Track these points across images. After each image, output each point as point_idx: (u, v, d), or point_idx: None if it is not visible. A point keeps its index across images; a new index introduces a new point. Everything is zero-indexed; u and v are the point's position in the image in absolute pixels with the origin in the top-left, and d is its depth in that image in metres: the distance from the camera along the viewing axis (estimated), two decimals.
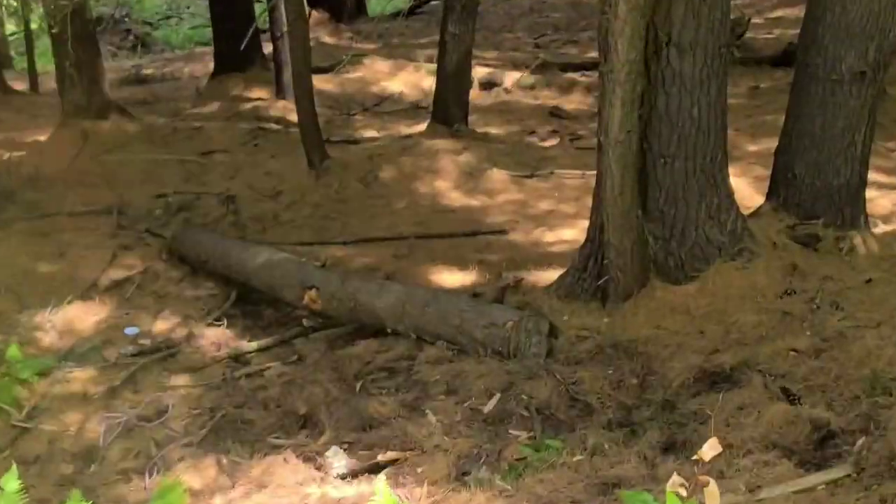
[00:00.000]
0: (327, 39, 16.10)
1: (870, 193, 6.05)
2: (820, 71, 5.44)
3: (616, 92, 4.83)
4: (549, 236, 7.41)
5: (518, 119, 11.47)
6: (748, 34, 12.54)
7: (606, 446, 4.00)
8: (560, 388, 4.62)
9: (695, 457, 3.32)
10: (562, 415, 4.45)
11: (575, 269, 5.63)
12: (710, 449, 2.98)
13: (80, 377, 5.45)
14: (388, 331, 5.53)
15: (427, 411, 4.58)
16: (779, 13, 15.10)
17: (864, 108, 5.42)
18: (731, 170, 5.49)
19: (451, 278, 6.59)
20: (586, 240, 5.62)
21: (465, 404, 4.62)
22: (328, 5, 17.10)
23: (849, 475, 3.44)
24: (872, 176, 6.13)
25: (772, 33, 13.37)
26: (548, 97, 12.39)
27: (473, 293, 6.10)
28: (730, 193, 5.40)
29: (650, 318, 5.13)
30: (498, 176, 8.92)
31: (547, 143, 10.44)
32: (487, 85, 12.85)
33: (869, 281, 5.12)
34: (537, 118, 11.51)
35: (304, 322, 5.98)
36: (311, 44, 9.73)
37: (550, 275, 6.06)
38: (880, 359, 4.19)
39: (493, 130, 10.81)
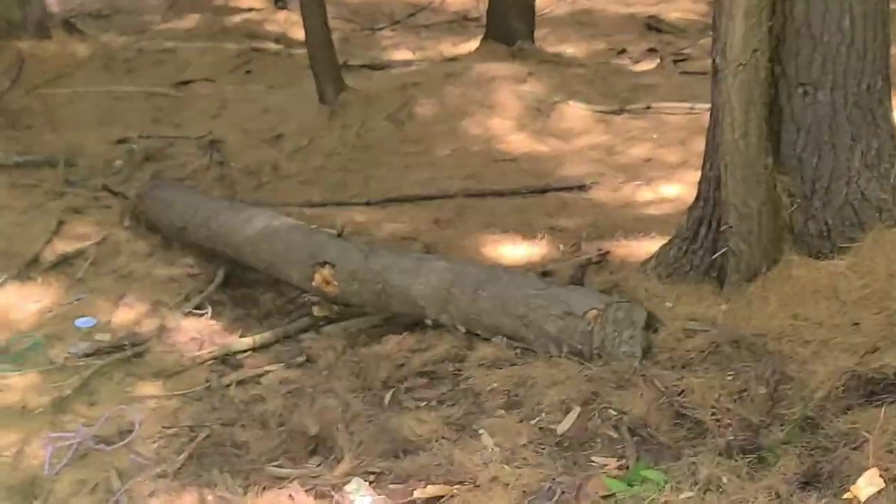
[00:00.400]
0: None
1: None
2: None
3: None
4: (646, 193, 7.39)
5: (603, 34, 11.44)
6: None
7: (725, 479, 3.97)
8: (661, 400, 4.60)
9: (846, 495, 3.31)
10: (663, 436, 4.44)
11: (681, 239, 5.61)
12: (868, 484, 2.97)
13: (16, 384, 5.51)
14: (429, 322, 5.55)
15: (481, 431, 4.59)
16: None
17: None
18: (894, 102, 5.43)
19: (513, 251, 6.60)
20: (697, 198, 5.61)
21: (533, 422, 4.62)
22: None
23: None
24: None
25: None
26: (644, 3, 12.32)
27: (543, 272, 6.10)
28: (894, 134, 5.33)
29: (784, 305, 5.09)
30: (575, 112, 8.92)
31: (642, 67, 10.41)
32: None
33: None
34: (629, 32, 11.48)
35: (315, 311, 6.00)
36: None
37: (648, 246, 6.04)
38: None
39: (569, 50, 10.79)
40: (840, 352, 4.70)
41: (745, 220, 5.13)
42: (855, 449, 4.00)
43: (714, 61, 5.14)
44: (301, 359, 5.65)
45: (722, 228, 5.25)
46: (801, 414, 4.39)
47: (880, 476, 3.12)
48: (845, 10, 5.06)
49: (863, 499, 2.97)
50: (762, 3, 4.85)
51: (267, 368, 5.58)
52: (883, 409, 4.17)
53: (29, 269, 6.71)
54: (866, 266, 5.11)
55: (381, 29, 12.46)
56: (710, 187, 5.43)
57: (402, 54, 11.53)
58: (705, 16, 10.60)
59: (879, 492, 3.32)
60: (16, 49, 10.65)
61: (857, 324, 4.88)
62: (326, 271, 5.86)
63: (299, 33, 9.98)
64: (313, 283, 5.96)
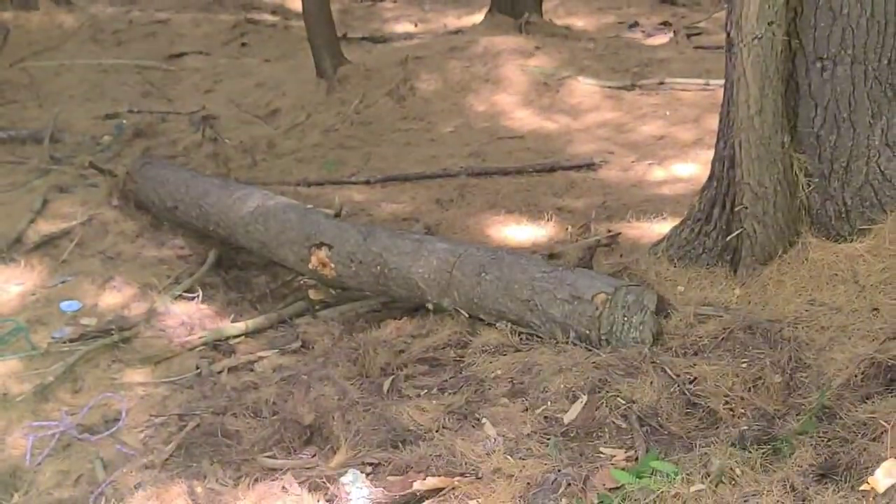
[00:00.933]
0: None
1: None
2: None
3: None
4: (658, 173, 7.40)
5: (614, 7, 11.45)
6: None
7: (738, 471, 3.97)
8: (672, 388, 4.60)
9: (863, 486, 3.29)
10: (674, 426, 4.44)
11: (694, 220, 5.61)
12: (886, 476, 2.96)
13: None
14: (429, 307, 5.55)
15: (484, 421, 4.59)
16: None
17: None
18: None
19: (518, 233, 6.60)
20: (710, 177, 5.60)
21: (538, 411, 4.62)
22: None
23: None
24: None
25: None
26: None
27: (550, 254, 6.10)
28: None
29: (801, 290, 5.10)
30: (584, 88, 8.92)
31: (655, 41, 10.40)
32: None
33: None
34: (641, 5, 11.49)
35: (311, 294, 6.01)
36: None
37: (659, 228, 6.04)
38: None
39: (579, 23, 10.80)
40: (859, 338, 4.70)
41: (760, 200, 5.13)
42: (874, 440, 4.00)
43: (728, 34, 5.12)
44: (296, 344, 5.66)
45: (736, 209, 5.25)
46: (818, 403, 4.39)
47: None
48: None
49: (881, 490, 2.96)
50: None
51: (260, 354, 5.59)
52: None
53: (11, 250, 6.72)
54: (887, 249, 5.11)
55: (382, 0, 12.44)
56: (723, 166, 5.42)
57: (403, 27, 11.51)
58: None
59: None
60: (0, 20, 10.65)
61: (876, 309, 4.88)
62: (323, 253, 5.86)
63: (297, 4, 9.98)
64: (309, 266, 5.96)
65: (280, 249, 6.16)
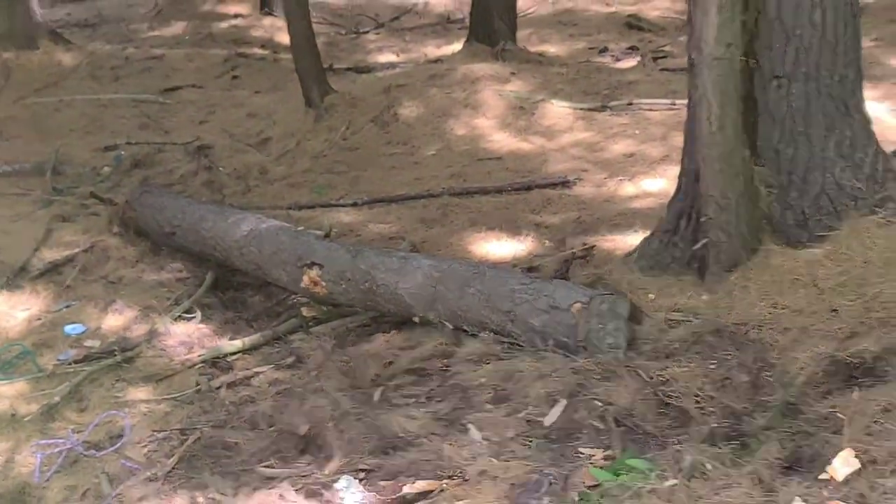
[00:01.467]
0: None
1: None
2: None
3: None
4: (629, 188, 7.42)
5: (584, 33, 11.48)
6: None
7: (709, 466, 4.00)
8: (646, 390, 4.62)
9: (823, 475, 3.32)
10: (649, 426, 4.45)
11: (663, 232, 5.64)
12: (843, 465, 2.99)
13: (5, 393, 5.52)
14: (416, 320, 5.57)
15: (469, 426, 4.60)
16: None
17: None
18: (867, 93, 5.46)
19: (499, 248, 6.61)
20: (677, 191, 5.63)
21: (520, 415, 4.63)
22: None
23: None
24: None
25: None
26: (624, 3, 12.37)
27: (529, 267, 6.12)
28: (866, 124, 5.38)
29: (764, 294, 5.12)
30: (558, 110, 8.93)
31: (623, 64, 10.43)
32: None
33: None
34: (610, 31, 11.51)
35: (304, 311, 6.02)
36: None
37: (631, 240, 6.06)
38: None
39: (551, 49, 10.82)
40: (819, 338, 4.73)
41: (723, 211, 5.15)
42: (835, 432, 4.04)
43: (690, 57, 5.16)
44: (291, 359, 5.65)
45: (702, 220, 5.28)
46: (783, 400, 4.42)
47: (857, 457, 3.14)
48: (816, 3, 5.10)
49: (839, 479, 2.99)
50: None
51: (257, 370, 5.58)
52: (860, 393, 4.21)
53: (17, 277, 6.72)
54: (843, 254, 5.14)
55: (365, 32, 12.47)
56: (689, 180, 5.45)
57: (386, 57, 11.53)
58: (683, 14, 10.64)
59: (856, 472, 3.34)
60: (2, 59, 10.65)
61: (835, 310, 4.91)
62: (314, 272, 5.88)
63: (285, 38, 9.99)
64: (302, 285, 5.97)
65: (274, 270, 6.18)
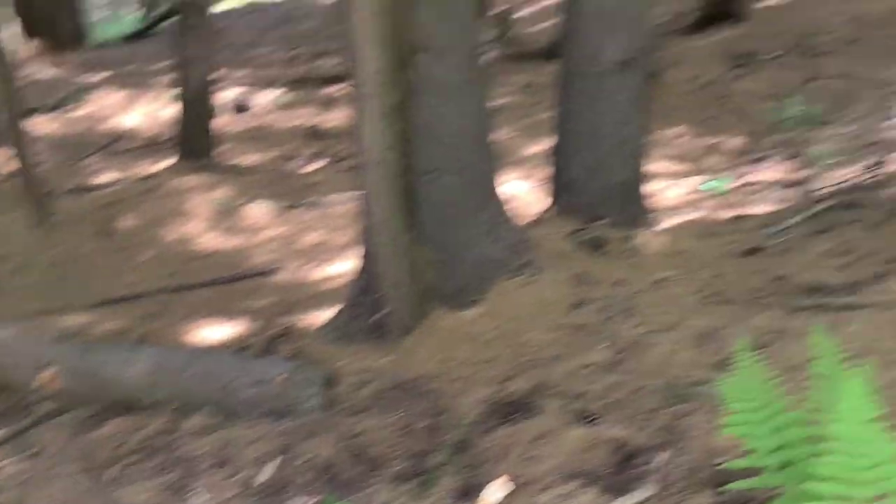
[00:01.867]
0: (50, 72, 15.58)
1: (656, 185, 6.38)
2: (582, 64, 5.70)
3: (368, 105, 4.93)
4: (320, 272, 7.45)
5: (275, 144, 11.49)
6: (518, 27, 13.02)
7: (398, 502, 4.04)
8: (344, 442, 4.62)
9: (478, 502, 3.38)
10: (348, 473, 4.46)
11: (348, 306, 5.68)
12: (496, 489, 3.06)
13: None
14: (146, 404, 5.40)
15: (193, 491, 4.50)
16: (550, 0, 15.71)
17: (632, 99, 5.71)
18: (513, 174, 5.69)
19: (214, 333, 6.52)
20: (360, 272, 5.69)
21: (238, 476, 4.56)
22: (47, 33, 16.70)
23: (654, 495, 3.59)
24: (657, 167, 6.46)
25: (541, 24, 13.89)
26: (307, 116, 12.45)
27: (241, 347, 6.05)
28: (500, 206, 5.59)
29: (435, 351, 5.22)
30: (257, 210, 8.91)
31: (310, 168, 10.50)
32: (239, 108, 12.82)
33: (658, 281, 5.39)
34: (297, 141, 11.56)
35: (40, 406, 5.75)
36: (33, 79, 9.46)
37: (324, 316, 6.08)
38: (674, 365, 4.42)
39: (249, 159, 10.78)
40: (482, 384, 4.84)
41: (395, 285, 5.24)
42: (499, 462, 4.14)
43: (357, 159, 5.25)
44: (34, 450, 5.39)
45: (379, 295, 5.34)
46: (455, 439, 4.50)
47: (511, 480, 3.21)
48: (454, 110, 5.26)
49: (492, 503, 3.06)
50: (389, 109, 4.98)
51: (2, 464, 5.30)
52: (516, 426, 4.34)
53: None
54: (496, 312, 5.31)
55: (88, 156, 12.10)
56: (367, 262, 5.52)
57: (107, 177, 11.24)
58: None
59: (511, 494, 3.42)
60: None
61: (492, 359, 5.04)
62: (47, 373, 5.63)
63: (10, 167, 9.63)
64: (39, 384, 5.71)
65: (12, 372, 5.89)
